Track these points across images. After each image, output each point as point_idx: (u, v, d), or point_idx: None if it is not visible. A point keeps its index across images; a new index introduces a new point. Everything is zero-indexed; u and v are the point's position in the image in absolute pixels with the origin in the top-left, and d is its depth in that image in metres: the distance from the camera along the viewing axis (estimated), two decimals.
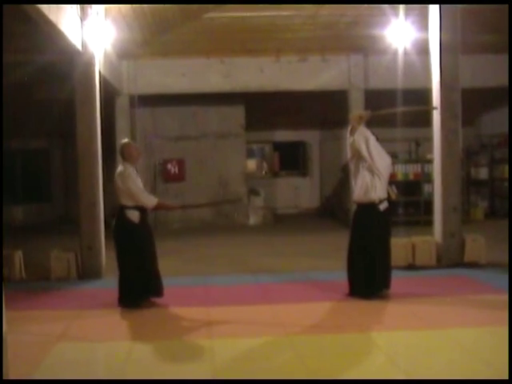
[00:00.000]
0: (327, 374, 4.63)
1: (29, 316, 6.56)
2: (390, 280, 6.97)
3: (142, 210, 6.75)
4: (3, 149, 4.08)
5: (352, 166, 7.09)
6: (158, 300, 6.92)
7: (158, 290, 6.88)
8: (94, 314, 6.71)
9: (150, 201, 6.80)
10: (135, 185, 6.70)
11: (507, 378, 4.26)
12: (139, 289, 6.76)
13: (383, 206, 6.87)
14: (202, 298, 7.26)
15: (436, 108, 8.76)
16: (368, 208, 6.86)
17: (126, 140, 7.30)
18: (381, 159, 6.82)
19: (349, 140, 6.97)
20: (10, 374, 4.23)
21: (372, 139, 6.76)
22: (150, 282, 6.81)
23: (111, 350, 5.49)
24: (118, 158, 7.14)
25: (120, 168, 6.81)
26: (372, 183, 6.78)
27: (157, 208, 7.11)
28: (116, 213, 6.86)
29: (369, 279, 6.84)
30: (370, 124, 6.99)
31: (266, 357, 5.10)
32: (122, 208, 6.73)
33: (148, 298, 6.90)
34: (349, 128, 7.01)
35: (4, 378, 4.11)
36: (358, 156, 6.88)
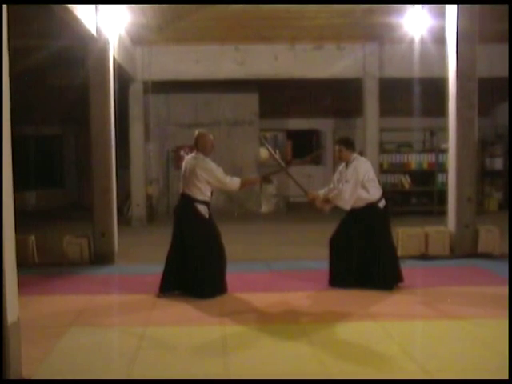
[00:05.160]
0: (338, 362, 4.62)
1: (41, 301, 6.61)
2: (401, 273, 6.93)
3: None
4: (17, 135, 4.08)
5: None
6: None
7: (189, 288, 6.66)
8: (106, 299, 6.74)
9: None
10: None
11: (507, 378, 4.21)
12: (165, 278, 6.69)
13: (382, 204, 6.86)
14: None
15: None
16: (368, 208, 6.82)
17: None
18: (365, 171, 6.82)
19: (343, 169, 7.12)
20: (23, 358, 4.26)
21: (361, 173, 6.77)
22: (179, 275, 6.65)
23: (123, 334, 5.52)
24: None
25: None
26: (368, 192, 6.78)
27: None
28: None
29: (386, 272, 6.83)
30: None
31: (278, 344, 5.09)
32: None
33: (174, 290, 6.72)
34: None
35: (16, 362, 4.13)
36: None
